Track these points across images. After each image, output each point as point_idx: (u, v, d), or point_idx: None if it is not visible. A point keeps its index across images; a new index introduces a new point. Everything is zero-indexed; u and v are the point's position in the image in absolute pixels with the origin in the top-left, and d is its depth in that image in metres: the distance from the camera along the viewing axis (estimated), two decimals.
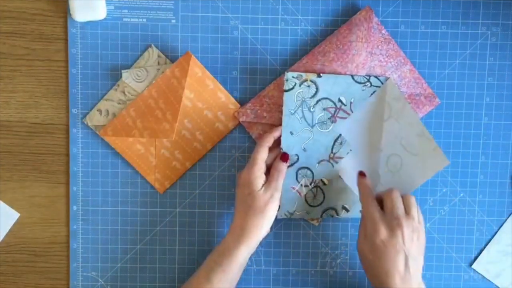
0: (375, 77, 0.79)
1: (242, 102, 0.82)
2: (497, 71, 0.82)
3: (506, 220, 0.84)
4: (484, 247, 0.84)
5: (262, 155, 0.76)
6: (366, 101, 0.79)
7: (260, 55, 0.81)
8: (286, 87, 0.79)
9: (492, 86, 0.82)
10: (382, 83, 0.79)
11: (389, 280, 0.70)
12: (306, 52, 0.81)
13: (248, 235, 0.73)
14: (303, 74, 0.78)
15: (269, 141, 0.78)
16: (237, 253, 0.73)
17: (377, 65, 0.80)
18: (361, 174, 0.78)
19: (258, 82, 0.82)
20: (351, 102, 0.79)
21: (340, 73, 0.79)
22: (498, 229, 0.84)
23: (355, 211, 0.82)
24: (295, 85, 0.78)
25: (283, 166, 0.78)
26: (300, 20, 0.81)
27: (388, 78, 0.79)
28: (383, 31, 0.80)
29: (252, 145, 0.82)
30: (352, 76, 0.79)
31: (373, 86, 0.79)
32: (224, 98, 0.81)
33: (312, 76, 0.78)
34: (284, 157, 0.78)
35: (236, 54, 0.81)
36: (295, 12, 0.81)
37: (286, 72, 0.78)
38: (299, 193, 0.81)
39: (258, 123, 0.81)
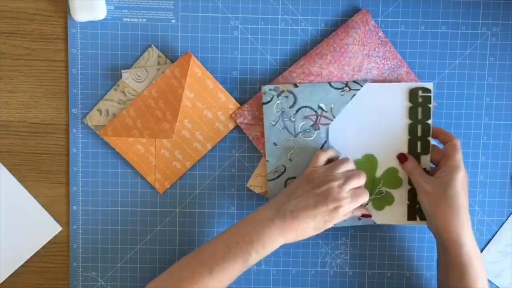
0: (354, 81, 0.79)
1: (242, 102, 0.82)
2: (497, 71, 0.82)
3: (506, 220, 0.84)
4: (484, 247, 0.84)
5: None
6: (347, 105, 0.78)
7: (260, 55, 0.81)
8: (264, 100, 0.79)
9: (492, 86, 0.82)
10: (362, 86, 0.78)
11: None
12: (306, 52, 0.81)
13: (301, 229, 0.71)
14: (279, 86, 0.79)
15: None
16: (277, 244, 0.70)
17: (373, 67, 0.80)
18: (401, 158, 0.79)
19: (258, 82, 0.82)
20: (331, 108, 0.78)
21: (337, 76, 0.79)
22: (498, 229, 0.84)
23: (352, 219, 0.79)
24: (273, 97, 0.79)
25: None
26: (300, 20, 0.81)
27: (367, 81, 0.79)
28: (379, 34, 0.80)
29: (252, 145, 0.82)
30: (329, 83, 0.78)
31: (352, 90, 0.78)
32: (224, 98, 0.81)
33: (289, 87, 0.79)
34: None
35: (236, 54, 0.81)
36: (295, 12, 0.81)
37: (263, 86, 0.79)
38: None
39: (255, 125, 0.81)
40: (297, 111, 0.79)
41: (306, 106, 0.79)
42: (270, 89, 0.79)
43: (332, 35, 0.80)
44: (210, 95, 0.81)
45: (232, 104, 0.82)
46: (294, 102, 0.79)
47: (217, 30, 0.81)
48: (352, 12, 0.80)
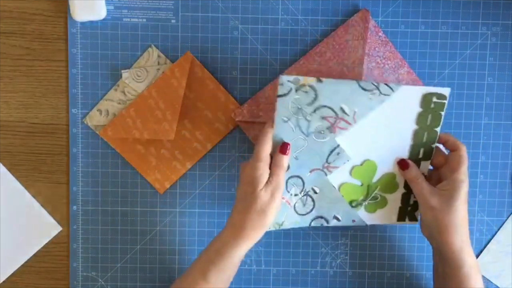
0: (385, 84, 0.70)
1: (242, 102, 0.82)
2: (497, 71, 0.81)
3: (506, 220, 0.84)
4: (484, 247, 0.84)
5: (266, 148, 0.70)
6: (373, 111, 0.71)
7: (260, 55, 0.81)
8: (280, 92, 0.69)
9: (492, 86, 0.82)
10: (393, 91, 0.70)
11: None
12: (306, 52, 0.81)
13: (248, 235, 0.70)
14: (300, 78, 0.69)
15: (272, 132, 0.72)
16: (235, 254, 0.71)
17: (374, 67, 0.80)
18: (402, 165, 0.75)
19: (258, 82, 0.82)
20: (354, 112, 0.71)
21: (336, 70, 0.78)
22: (498, 229, 0.84)
23: (347, 220, 0.77)
24: (290, 90, 0.69)
25: (284, 159, 0.71)
26: (300, 20, 0.81)
27: (401, 85, 0.71)
28: (380, 34, 0.80)
29: (252, 145, 0.82)
30: (358, 82, 0.70)
31: (382, 94, 0.70)
32: (224, 98, 0.81)
33: (311, 81, 0.69)
34: (283, 148, 0.71)
35: (236, 54, 0.81)
36: (295, 12, 0.81)
37: (280, 76, 0.69)
38: (288, 203, 0.76)
39: (254, 124, 0.81)
40: (315, 110, 0.70)
41: (326, 106, 0.70)
42: (288, 80, 0.69)
43: (332, 35, 0.80)
44: (210, 95, 0.81)
45: (232, 104, 0.81)
46: (314, 99, 0.70)
47: (217, 30, 0.81)
48: (352, 12, 0.80)
